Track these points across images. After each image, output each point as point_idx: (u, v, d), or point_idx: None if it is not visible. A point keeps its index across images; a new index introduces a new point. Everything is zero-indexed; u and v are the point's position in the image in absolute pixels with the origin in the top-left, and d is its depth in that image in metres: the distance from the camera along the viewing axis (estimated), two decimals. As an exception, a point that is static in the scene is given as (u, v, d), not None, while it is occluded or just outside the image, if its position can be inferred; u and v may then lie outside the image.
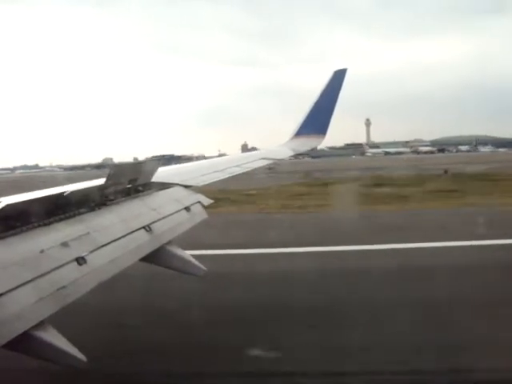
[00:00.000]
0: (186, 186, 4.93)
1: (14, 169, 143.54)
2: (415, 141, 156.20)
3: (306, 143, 9.96)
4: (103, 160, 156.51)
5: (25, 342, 2.27)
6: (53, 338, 2.40)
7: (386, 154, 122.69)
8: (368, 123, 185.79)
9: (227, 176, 6.23)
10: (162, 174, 5.80)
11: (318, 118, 9.92)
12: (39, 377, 4.61)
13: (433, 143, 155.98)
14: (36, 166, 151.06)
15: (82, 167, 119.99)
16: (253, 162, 7.56)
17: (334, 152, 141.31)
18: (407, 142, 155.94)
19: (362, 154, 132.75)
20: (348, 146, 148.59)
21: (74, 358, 2.43)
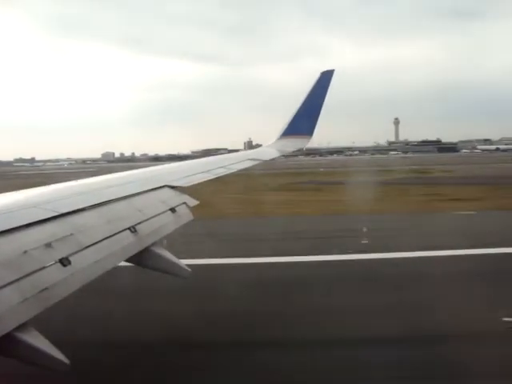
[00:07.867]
0: (172, 187, 4.91)
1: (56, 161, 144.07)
2: (502, 139, 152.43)
3: (292, 144, 9.99)
4: (102, 154, 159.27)
5: (7, 344, 2.25)
6: (35, 340, 2.37)
7: (497, 150, 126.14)
8: (397, 122, 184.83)
9: (213, 177, 6.24)
10: (150, 173, 5.77)
11: (304, 119, 9.95)
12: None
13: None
14: (57, 160, 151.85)
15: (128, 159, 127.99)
16: (239, 162, 7.55)
17: (409, 148, 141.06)
18: (488, 140, 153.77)
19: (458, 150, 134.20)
20: (425, 143, 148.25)
21: (58, 360, 2.41)
